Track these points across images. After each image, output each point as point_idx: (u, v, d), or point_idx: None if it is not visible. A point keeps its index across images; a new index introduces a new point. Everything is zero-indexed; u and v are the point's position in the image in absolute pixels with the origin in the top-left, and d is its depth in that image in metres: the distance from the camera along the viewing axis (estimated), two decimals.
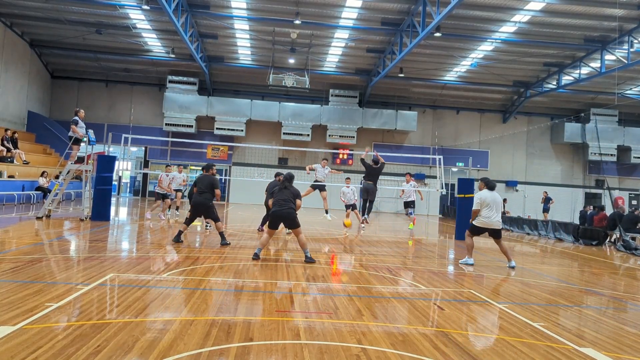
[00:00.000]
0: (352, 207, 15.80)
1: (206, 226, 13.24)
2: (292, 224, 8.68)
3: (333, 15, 19.96)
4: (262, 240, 8.69)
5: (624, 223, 15.51)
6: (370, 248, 11.28)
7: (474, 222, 9.53)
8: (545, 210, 25.84)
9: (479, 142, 30.77)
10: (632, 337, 5.08)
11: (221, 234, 10.19)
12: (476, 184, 12.31)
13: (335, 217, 18.44)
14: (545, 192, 26.82)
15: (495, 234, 9.58)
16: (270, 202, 9.11)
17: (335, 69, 27.04)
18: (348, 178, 16.23)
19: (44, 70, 27.34)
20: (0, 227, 11.33)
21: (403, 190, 17.18)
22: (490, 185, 9.63)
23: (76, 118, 13.59)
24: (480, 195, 9.46)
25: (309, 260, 8.46)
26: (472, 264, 9.47)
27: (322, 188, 14.82)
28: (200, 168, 14.09)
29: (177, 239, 9.94)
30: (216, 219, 10.15)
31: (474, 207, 9.49)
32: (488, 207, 9.37)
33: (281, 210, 8.58)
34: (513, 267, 9.52)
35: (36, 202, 18.85)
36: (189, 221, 10.15)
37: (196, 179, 10.52)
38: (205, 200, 9.98)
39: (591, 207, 21.41)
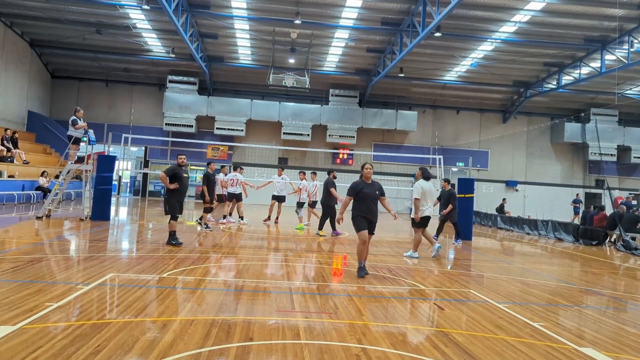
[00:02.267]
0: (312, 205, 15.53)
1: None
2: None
3: (333, 15, 19.94)
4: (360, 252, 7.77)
5: (624, 223, 15.51)
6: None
7: (414, 216, 9.99)
8: (577, 212, 25.34)
9: (479, 142, 30.76)
10: (632, 337, 5.08)
11: (172, 233, 9.61)
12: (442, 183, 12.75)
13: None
14: (578, 194, 26.54)
15: (427, 223, 10.13)
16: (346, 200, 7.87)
17: (335, 69, 27.03)
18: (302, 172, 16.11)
19: (44, 70, 27.34)
20: (0, 227, 11.33)
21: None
22: (426, 175, 10.20)
23: (74, 118, 13.60)
24: (422, 185, 9.95)
25: (362, 272, 7.60)
26: (417, 257, 9.91)
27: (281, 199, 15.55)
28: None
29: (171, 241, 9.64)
30: (171, 217, 9.57)
31: (416, 196, 9.87)
32: (426, 197, 9.92)
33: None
34: (438, 250, 10.14)
35: (36, 202, 18.84)
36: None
37: None
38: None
39: (591, 207, 21.41)
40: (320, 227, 13.25)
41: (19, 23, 23.22)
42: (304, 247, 10.73)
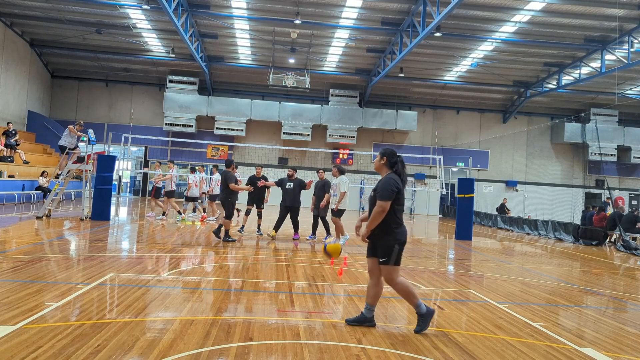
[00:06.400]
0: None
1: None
2: None
3: (333, 15, 19.95)
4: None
5: (623, 223, 15.51)
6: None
7: (340, 208, 11.01)
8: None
9: (479, 142, 30.76)
10: (632, 337, 5.08)
11: (225, 232, 10.60)
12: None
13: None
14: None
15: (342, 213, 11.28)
16: None
17: (335, 69, 27.03)
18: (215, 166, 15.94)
19: (44, 70, 27.33)
20: (0, 226, 11.33)
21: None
22: (343, 170, 11.28)
23: (72, 127, 13.93)
24: (347, 180, 11.02)
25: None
26: (347, 238, 11.23)
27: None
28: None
29: (226, 237, 10.57)
30: (226, 216, 10.59)
31: (344, 189, 10.86)
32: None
33: None
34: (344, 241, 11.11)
35: (36, 202, 18.84)
36: (229, 217, 10.59)
37: None
38: (222, 196, 10.74)
39: (591, 207, 21.39)
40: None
41: (19, 23, 23.22)
42: (304, 248, 10.73)
